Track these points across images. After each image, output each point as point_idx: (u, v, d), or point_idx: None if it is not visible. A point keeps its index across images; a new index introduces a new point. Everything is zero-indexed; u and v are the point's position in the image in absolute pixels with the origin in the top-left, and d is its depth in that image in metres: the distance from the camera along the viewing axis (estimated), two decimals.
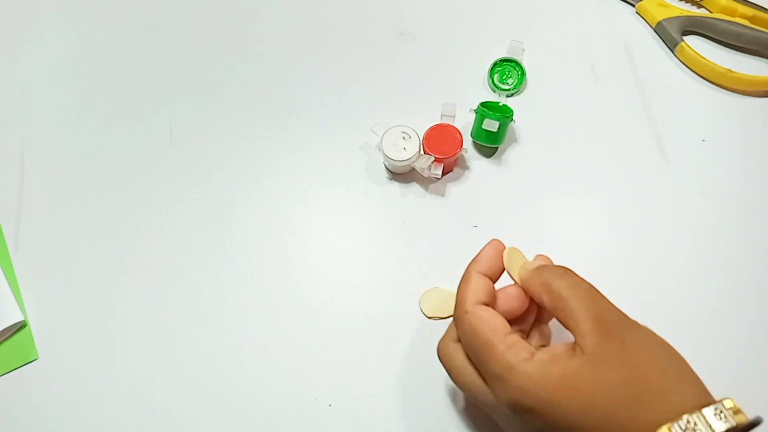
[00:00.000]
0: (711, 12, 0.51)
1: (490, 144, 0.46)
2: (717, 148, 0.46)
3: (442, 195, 0.46)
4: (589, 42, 0.51)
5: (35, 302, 0.43)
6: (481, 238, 0.44)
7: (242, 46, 0.52)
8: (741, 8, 0.49)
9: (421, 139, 0.43)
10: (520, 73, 0.48)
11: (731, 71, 0.47)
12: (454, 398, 0.40)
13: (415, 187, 0.46)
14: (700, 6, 0.51)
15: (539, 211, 0.45)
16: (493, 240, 0.36)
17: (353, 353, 0.41)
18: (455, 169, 0.46)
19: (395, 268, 0.44)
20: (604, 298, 0.31)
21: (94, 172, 0.47)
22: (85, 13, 0.54)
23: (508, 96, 0.48)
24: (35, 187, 0.47)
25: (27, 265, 0.44)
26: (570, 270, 0.33)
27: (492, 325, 0.31)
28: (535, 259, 0.36)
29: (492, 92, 0.49)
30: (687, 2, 0.52)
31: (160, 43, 0.52)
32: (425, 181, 0.46)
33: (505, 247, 0.35)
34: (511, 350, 0.30)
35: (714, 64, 0.48)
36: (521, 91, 0.49)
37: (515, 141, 0.47)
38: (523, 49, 0.47)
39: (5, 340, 0.42)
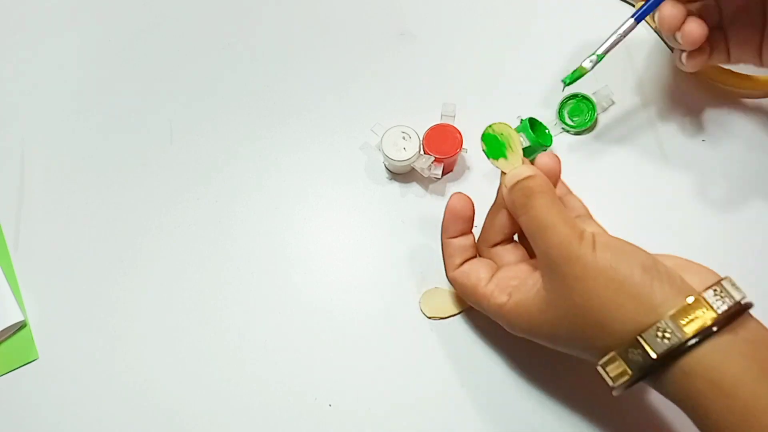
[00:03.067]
0: None
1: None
2: (717, 148, 0.46)
3: (442, 195, 0.46)
4: (589, 42, 0.51)
5: (35, 302, 0.43)
6: None
7: (242, 46, 0.52)
8: None
9: (421, 139, 0.43)
10: (590, 111, 0.47)
11: (731, 71, 0.47)
12: (454, 398, 0.40)
13: (415, 187, 0.46)
14: None
15: None
16: (451, 199, 0.38)
17: (353, 353, 0.41)
18: (455, 169, 0.46)
19: (395, 268, 0.44)
20: (555, 225, 0.32)
21: (94, 172, 0.47)
22: (85, 13, 0.54)
23: (574, 134, 0.47)
24: (35, 187, 0.47)
25: (27, 265, 0.44)
26: (532, 191, 0.34)
27: (471, 284, 0.37)
28: (536, 159, 0.37)
29: (559, 123, 0.47)
30: None
31: (160, 43, 0.52)
32: (425, 181, 0.46)
33: (460, 203, 0.38)
34: (491, 299, 0.35)
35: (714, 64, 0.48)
36: (589, 131, 0.47)
37: None
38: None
39: (5, 340, 0.42)
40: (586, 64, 0.41)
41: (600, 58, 0.40)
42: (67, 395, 0.41)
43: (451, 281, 0.39)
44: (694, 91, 0.48)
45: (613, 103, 0.48)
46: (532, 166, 0.36)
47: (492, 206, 0.38)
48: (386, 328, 0.42)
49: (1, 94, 0.50)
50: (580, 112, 0.47)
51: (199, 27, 0.53)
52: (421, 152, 0.44)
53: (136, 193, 0.47)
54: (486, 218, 0.39)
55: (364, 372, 0.41)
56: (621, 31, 0.40)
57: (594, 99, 0.47)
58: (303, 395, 0.40)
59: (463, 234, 0.38)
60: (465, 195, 0.38)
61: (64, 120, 0.49)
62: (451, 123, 0.44)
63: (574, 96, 0.48)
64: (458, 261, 0.38)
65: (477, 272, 0.37)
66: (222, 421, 0.40)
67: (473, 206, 0.38)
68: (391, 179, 0.46)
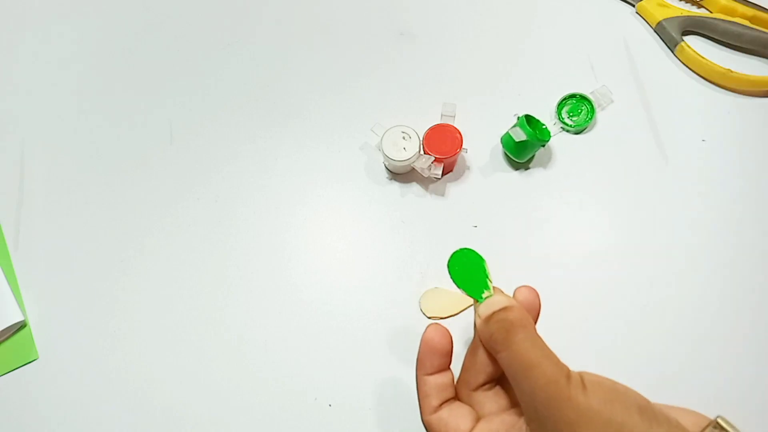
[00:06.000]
0: (711, 12, 0.51)
1: (510, 153, 0.45)
2: (717, 148, 0.46)
3: (442, 195, 0.46)
4: (589, 42, 0.51)
5: (35, 302, 0.43)
6: (481, 238, 0.44)
7: (242, 46, 0.52)
8: (741, 8, 0.49)
9: (421, 139, 0.43)
10: (588, 110, 0.47)
11: (731, 71, 0.47)
12: None
13: (415, 187, 0.46)
14: (700, 6, 0.51)
15: (539, 211, 0.45)
16: (426, 331, 0.34)
17: (353, 353, 0.41)
18: (455, 169, 0.46)
19: (395, 268, 0.44)
20: (540, 364, 0.29)
21: (94, 172, 0.47)
22: (86, 13, 0.54)
23: (573, 133, 0.47)
24: (35, 187, 0.47)
25: (27, 265, 0.44)
26: (512, 325, 0.31)
27: None
28: (515, 293, 0.34)
29: (558, 122, 0.47)
30: (687, 2, 0.52)
31: (160, 43, 0.52)
32: (425, 181, 0.46)
33: (437, 336, 0.34)
34: None
35: (714, 64, 0.48)
36: (587, 130, 0.47)
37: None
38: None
39: (5, 340, 0.42)
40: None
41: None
42: (67, 395, 0.41)
43: (426, 426, 0.34)
44: (694, 91, 0.48)
45: (612, 102, 0.48)
46: (508, 295, 0.33)
47: (471, 343, 0.34)
48: (386, 328, 0.42)
49: (1, 94, 0.50)
50: (578, 112, 0.47)
51: (199, 27, 0.53)
52: (421, 152, 0.44)
53: (136, 193, 0.47)
54: (465, 356, 0.35)
55: (364, 372, 0.41)
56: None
57: (592, 98, 0.47)
58: (303, 395, 0.40)
59: (440, 370, 0.34)
60: (442, 326, 0.34)
61: (64, 120, 0.49)
62: (451, 123, 0.44)
63: (572, 95, 0.48)
64: (435, 402, 0.33)
65: (456, 422, 0.33)
66: (222, 421, 0.40)
67: (451, 340, 0.34)
68: (391, 179, 0.46)
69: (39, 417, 0.40)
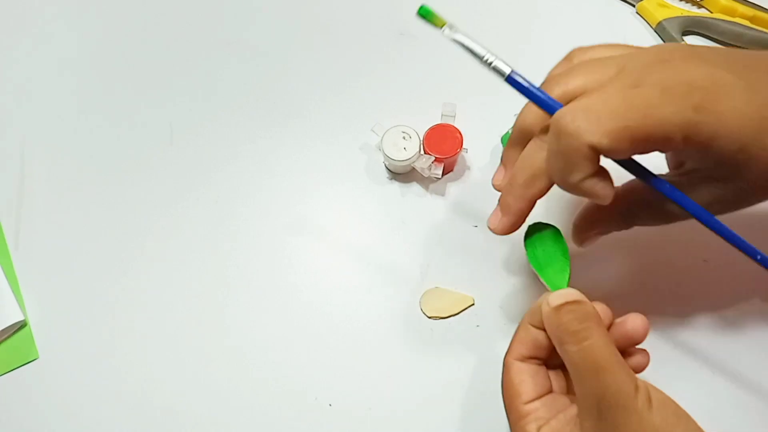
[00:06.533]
0: (711, 12, 0.51)
1: None
2: None
3: (442, 195, 0.46)
4: (589, 42, 0.51)
5: (35, 302, 0.43)
6: (481, 238, 0.44)
7: (242, 46, 0.52)
8: (741, 8, 0.49)
9: (421, 139, 0.43)
10: None
11: None
12: (454, 398, 0.40)
13: (415, 187, 0.46)
14: (700, 6, 0.51)
15: (540, 210, 0.45)
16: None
17: (353, 353, 0.41)
18: (455, 169, 0.46)
19: (395, 268, 0.44)
20: (612, 369, 0.29)
21: (94, 172, 0.47)
22: (86, 13, 0.54)
23: None
24: (35, 187, 0.47)
25: (27, 265, 0.44)
26: (586, 325, 0.30)
27: (515, 391, 0.32)
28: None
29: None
30: (687, 2, 0.52)
31: (160, 43, 0.52)
32: (425, 181, 0.46)
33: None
34: (522, 421, 0.32)
35: None
36: None
37: None
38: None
39: (5, 340, 0.42)
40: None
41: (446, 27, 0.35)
42: (67, 395, 0.41)
43: (505, 367, 0.33)
44: None
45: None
46: (580, 293, 0.32)
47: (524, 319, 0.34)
48: (386, 328, 0.42)
49: (1, 94, 0.50)
50: None
51: (199, 27, 0.53)
52: (421, 152, 0.44)
53: (136, 193, 0.47)
54: (518, 330, 0.34)
55: (364, 372, 0.41)
56: (492, 62, 0.33)
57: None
58: (303, 395, 0.40)
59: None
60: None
61: (64, 120, 0.49)
62: (451, 123, 0.44)
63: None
64: (525, 352, 0.33)
65: (530, 381, 0.32)
66: (222, 421, 0.40)
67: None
68: (391, 179, 0.46)
69: (39, 417, 0.40)
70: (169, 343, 0.42)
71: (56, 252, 0.45)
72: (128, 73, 0.51)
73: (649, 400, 0.29)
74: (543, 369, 0.33)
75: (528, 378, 0.32)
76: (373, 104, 0.49)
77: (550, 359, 0.33)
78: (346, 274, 0.44)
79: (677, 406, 0.29)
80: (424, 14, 0.34)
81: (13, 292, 0.43)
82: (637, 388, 0.29)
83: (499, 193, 0.35)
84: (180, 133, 0.49)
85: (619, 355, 0.30)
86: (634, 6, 0.52)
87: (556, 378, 0.34)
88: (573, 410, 0.31)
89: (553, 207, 0.44)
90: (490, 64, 0.33)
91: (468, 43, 0.33)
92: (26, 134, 0.49)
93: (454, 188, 0.46)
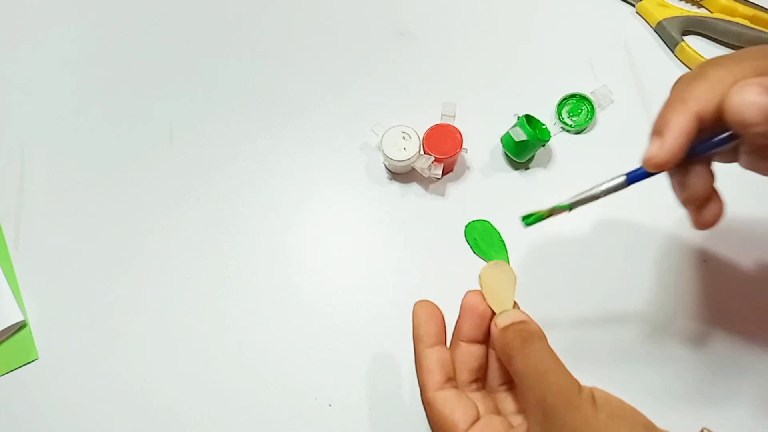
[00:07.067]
0: (711, 12, 0.51)
1: (510, 153, 0.45)
2: None
3: (442, 195, 0.46)
4: (589, 42, 0.51)
5: (35, 302, 0.43)
6: None
7: (242, 46, 0.52)
8: (741, 8, 0.49)
9: (421, 139, 0.43)
10: (588, 110, 0.47)
11: None
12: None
13: (415, 187, 0.46)
14: (700, 6, 0.51)
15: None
16: (417, 305, 0.35)
17: (353, 353, 0.41)
18: (455, 169, 0.46)
19: (395, 268, 0.44)
20: (554, 371, 0.30)
21: (94, 172, 0.47)
22: (85, 13, 0.54)
23: (574, 133, 0.47)
24: (35, 187, 0.47)
25: (27, 265, 0.44)
26: (530, 335, 0.32)
27: (449, 423, 0.32)
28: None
29: (558, 122, 0.47)
30: (687, 2, 0.52)
31: (160, 43, 0.52)
32: (425, 181, 0.46)
33: (430, 308, 0.35)
34: None
35: None
36: (587, 130, 0.47)
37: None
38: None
39: (5, 340, 0.42)
40: (551, 209, 0.35)
41: (569, 208, 0.34)
42: (67, 395, 0.41)
43: (429, 403, 0.34)
44: None
45: (612, 102, 0.48)
46: (526, 313, 0.34)
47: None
48: (386, 328, 0.42)
49: (1, 94, 0.50)
50: (578, 112, 0.47)
51: (200, 27, 0.53)
52: (421, 152, 0.44)
53: (136, 193, 0.47)
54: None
55: (364, 372, 0.41)
56: (605, 187, 0.33)
57: (593, 98, 0.47)
58: (303, 395, 0.40)
59: (440, 342, 0.35)
60: (430, 301, 0.35)
61: (64, 120, 0.49)
62: (451, 123, 0.44)
63: (573, 95, 0.48)
64: (440, 378, 0.34)
65: (461, 409, 0.33)
66: (222, 421, 0.40)
67: (441, 311, 0.35)
68: (391, 179, 0.46)
69: (39, 417, 0.40)
70: (169, 343, 0.42)
71: (56, 252, 0.45)
72: (128, 73, 0.51)
73: (593, 398, 0.29)
74: (462, 391, 0.34)
75: (456, 404, 0.33)
76: (372, 104, 0.49)
77: (474, 382, 0.35)
78: (346, 274, 0.44)
79: (622, 401, 0.30)
80: (532, 222, 0.36)
81: (13, 292, 0.43)
82: (580, 388, 0.30)
83: None
84: (180, 133, 0.49)
85: (560, 361, 0.31)
86: (634, 6, 0.52)
87: (482, 400, 0.35)
88: (521, 429, 0.32)
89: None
90: (607, 191, 0.33)
91: (584, 197, 0.34)
92: (26, 134, 0.49)
93: (454, 188, 0.46)
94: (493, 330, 0.34)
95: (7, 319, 0.42)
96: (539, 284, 0.42)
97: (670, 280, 0.42)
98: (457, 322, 0.35)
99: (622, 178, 0.33)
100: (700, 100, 0.29)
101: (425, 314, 0.35)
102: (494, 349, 0.35)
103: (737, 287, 0.42)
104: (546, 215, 0.35)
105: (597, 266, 0.43)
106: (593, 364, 0.40)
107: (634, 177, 0.32)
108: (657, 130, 0.30)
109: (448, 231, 0.44)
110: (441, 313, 0.35)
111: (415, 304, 0.35)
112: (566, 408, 0.29)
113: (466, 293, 0.35)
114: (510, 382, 0.35)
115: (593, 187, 0.33)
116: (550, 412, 0.29)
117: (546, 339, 0.33)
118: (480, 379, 0.35)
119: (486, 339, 0.35)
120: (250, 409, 0.40)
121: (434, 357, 0.34)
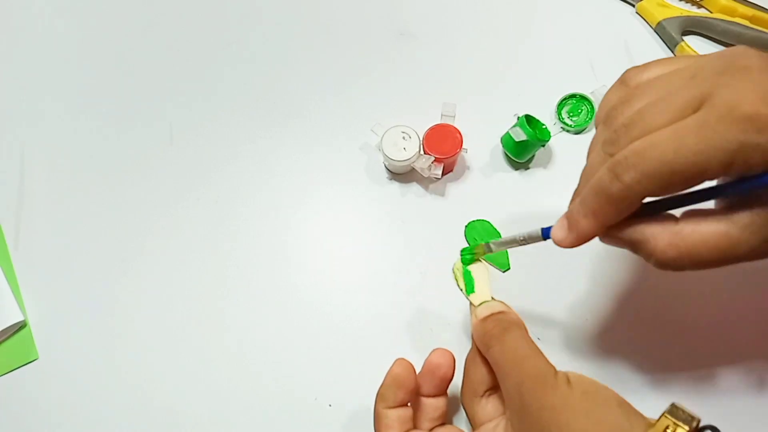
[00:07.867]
0: (711, 12, 0.51)
1: (510, 153, 0.45)
2: None
3: (442, 195, 0.46)
4: (589, 42, 0.51)
5: (35, 302, 0.43)
6: None
7: (242, 46, 0.52)
8: (741, 8, 0.49)
9: (421, 139, 0.43)
10: (588, 110, 0.47)
11: None
12: (453, 398, 0.40)
13: (415, 187, 0.46)
14: (700, 6, 0.51)
15: (540, 211, 0.45)
16: (396, 366, 0.35)
17: (353, 353, 0.41)
18: (455, 169, 0.46)
19: (395, 268, 0.44)
20: (531, 356, 0.31)
21: (94, 172, 0.47)
22: (85, 14, 0.54)
23: (574, 133, 0.47)
24: (35, 187, 0.47)
25: (27, 265, 0.44)
26: (509, 324, 0.33)
27: None
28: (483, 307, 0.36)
29: (558, 122, 0.47)
30: (687, 2, 0.52)
31: (160, 43, 0.52)
32: (425, 181, 0.46)
33: (404, 375, 0.34)
34: None
35: None
36: (587, 130, 0.47)
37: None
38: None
39: (5, 340, 0.42)
40: (487, 248, 0.39)
41: (490, 250, 0.39)
42: (67, 395, 0.41)
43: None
44: None
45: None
46: (505, 304, 0.36)
47: (469, 353, 0.36)
48: (386, 328, 0.42)
49: (1, 94, 0.50)
50: (578, 112, 0.47)
51: (200, 27, 0.53)
52: (421, 152, 0.44)
53: (136, 193, 0.47)
54: (465, 368, 0.36)
55: (364, 372, 0.41)
56: (520, 236, 0.35)
57: (592, 98, 0.47)
58: (303, 395, 0.40)
59: (402, 405, 0.35)
60: (408, 362, 0.35)
61: (64, 120, 0.49)
62: (451, 123, 0.44)
63: (572, 95, 0.48)
64: (392, 404, 0.35)
65: (398, 428, 0.34)
66: (222, 421, 0.40)
67: (416, 377, 0.35)
68: (391, 179, 0.46)
69: (39, 417, 0.40)
70: (169, 343, 0.42)
71: (56, 252, 0.45)
72: (128, 73, 0.51)
73: (568, 379, 0.30)
74: (406, 408, 0.35)
75: (396, 424, 0.34)
76: (372, 104, 0.49)
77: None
78: (346, 274, 0.44)
79: (595, 381, 0.31)
80: (469, 260, 0.41)
81: (12, 292, 0.43)
82: (555, 372, 0.31)
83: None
84: (180, 133, 0.49)
85: (538, 348, 0.32)
86: (633, 6, 0.52)
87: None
88: (500, 427, 0.33)
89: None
90: (524, 240, 0.35)
91: (503, 243, 0.37)
92: (26, 134, 0.49)
93: (453, 188, 0.46)
94: (473, 321, 0.35)
95: (7, 319, 0.42)
96: (539, 284, 0.42)
97: (669, 278, 0.42)
98: (418, 378, 0.35)
99: (538, 232, 0.34)
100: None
101: (396, 382, 0.34)
102: (473, 340, 0.36)
103: (725, 281, 0.42)
104: (480, 252, 0.40)
105: (597, 266, 0.43)
106: (593, 364, 0.40)
107: (548, 233, 0.33)
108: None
109: (448, 231, 0.44)
110: (414, 378, 0.35)
111: (394, 362, 0.35)
112: (543, 389, 0.30)
113: (432, 352, 0.36)
114: None
115: (516, 235, 0.36)
116: (528, 396, 0.30)
117: (525, 328, 0.34)
118: (443, 422, 0.37)
119: (445, 391, 0.36)
120: (250, 409, 0.40)
121: (394, 415, 0.34)
